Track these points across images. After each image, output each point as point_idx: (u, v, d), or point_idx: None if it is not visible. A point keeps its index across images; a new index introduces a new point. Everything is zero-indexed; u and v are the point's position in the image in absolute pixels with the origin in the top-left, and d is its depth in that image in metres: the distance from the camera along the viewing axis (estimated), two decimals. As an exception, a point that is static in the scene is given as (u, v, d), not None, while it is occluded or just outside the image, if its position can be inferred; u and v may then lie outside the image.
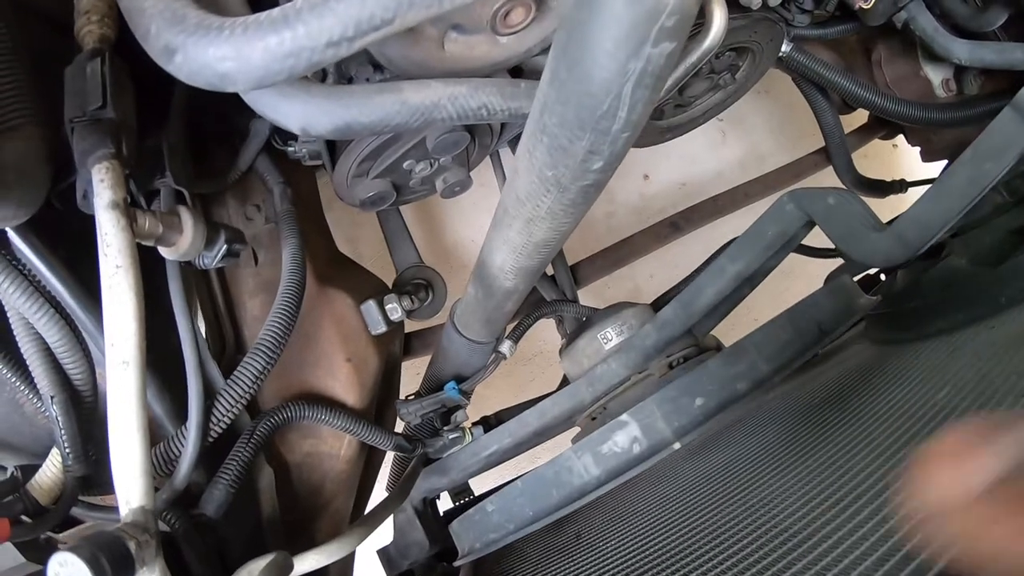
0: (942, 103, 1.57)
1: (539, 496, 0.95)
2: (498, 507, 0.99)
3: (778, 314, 0.94)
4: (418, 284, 1.26)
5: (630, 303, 1.21)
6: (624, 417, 0.90)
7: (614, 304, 1.23)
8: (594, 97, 0.46)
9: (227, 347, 1.03)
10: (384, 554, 1.23)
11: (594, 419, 1.15)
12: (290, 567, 0.77)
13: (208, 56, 0.53)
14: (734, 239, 1.63)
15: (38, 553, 0.90)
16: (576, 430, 1.24)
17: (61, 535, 0.94)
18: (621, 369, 1.03)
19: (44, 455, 0.87)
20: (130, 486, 0.60)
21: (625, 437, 0.90)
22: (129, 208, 0.65)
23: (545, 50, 0.85)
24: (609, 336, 1.14)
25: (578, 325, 1.28)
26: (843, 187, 1.89)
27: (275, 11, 0.52)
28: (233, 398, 0.83)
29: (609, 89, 0.45)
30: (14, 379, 0.81)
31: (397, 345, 1.27)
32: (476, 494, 1.36)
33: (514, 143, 1.15)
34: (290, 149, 1.02)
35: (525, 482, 0.96)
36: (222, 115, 1.01)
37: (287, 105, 0.66)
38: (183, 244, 0.71)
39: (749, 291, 1.00)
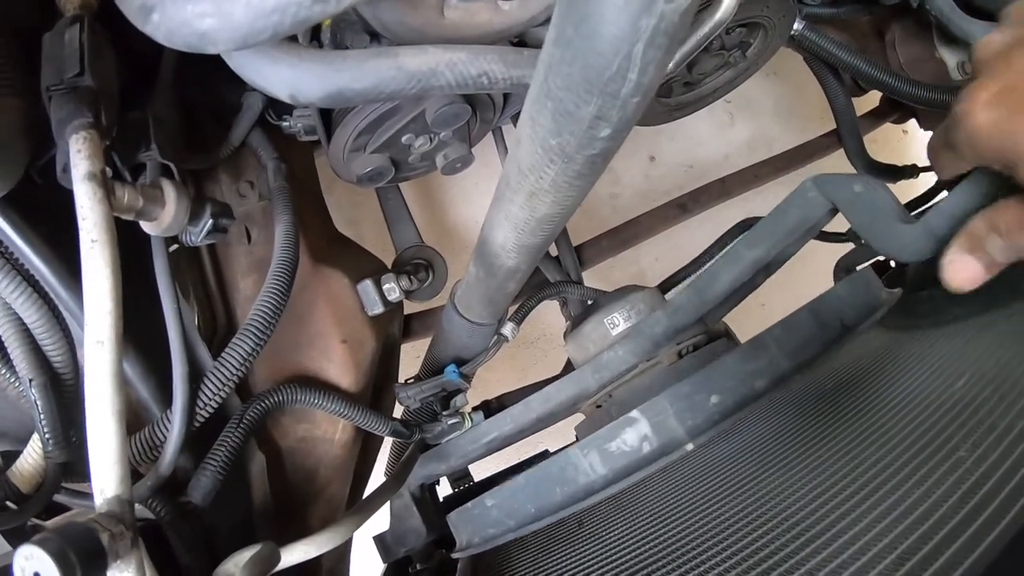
0: (958, 86, 1.53)
1: (542, 493, 0.90)
2: (498, 502, 0.94)
3: (798, 308, 0.90)
4: (418, 264, 1.22)
5: (638, 286, 1.17)
6: (634, 414, 0.85)
7: (621, 287, 1.19)
8: (603, 57, 0.42)
9: (219, 329, 1.00)
10: (380, 540, 1.20)
11: (599, 407, 1.12)
12: (277, 558, 0.74)
13: (187, 13, 0.50)
14: (744, 221, 1.62)
15: (23, 540, 0.88)
16: (580, 417, 1.21)
17: (48, 522, 0.91)
18: (629, 356, 0.98)
19: (26, 441, 0.84)
20: (105, 474, 0.56)
21: (635, 435, 0.85)
22: (108, 180, 0.61)
23: (549, 19, 0.81)
24: (616, 321, 1.09)
25: (584, 309, 1.24)
26: (858, 171, 1.86)
27: (258, -36, 0.49)
28: (220, 381, 0.80)
29: (619, 48, 0.41)
30: (-5, 362, 0.78)
31: (396, 327, 1.24)
32: (476, 480, 1.33)
33: (517, 118, 1.11)
34: (284, 124, 0.98)
35: (528, 478, 0.92)
36: (213, 87, 0.97)
37: (274, 70, 0.62)
38: (165, 218, 0.67)
39: (764, 279, 0.95)
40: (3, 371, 0.79)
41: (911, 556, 0.54)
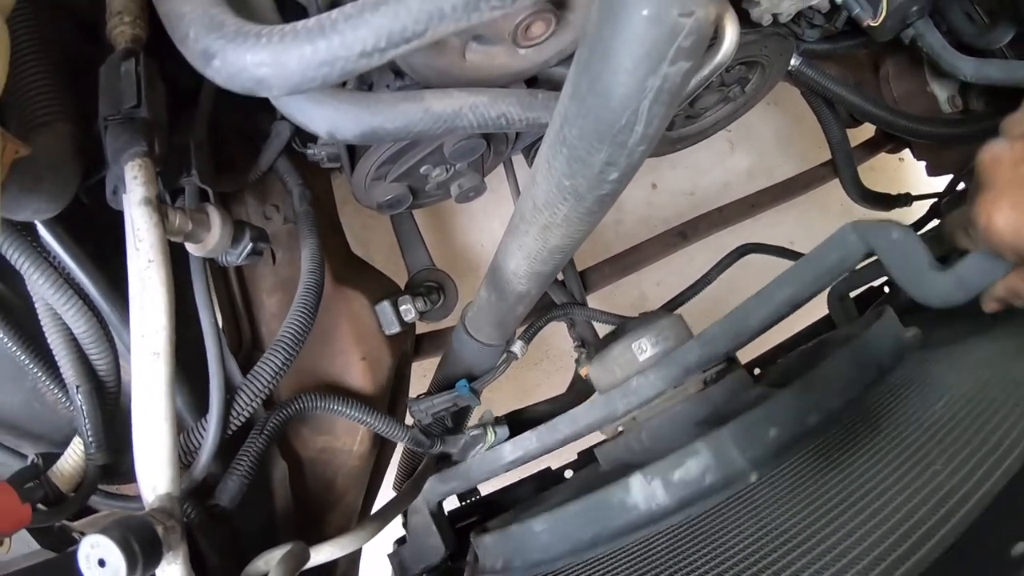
0: (948, 118, 1.60)
1: (600, 520, 0.89)
2: (549, 527, 0.92)
3: (839, 351, 0.95)
4: (430, 287, 1.28)
5: (664, 312, 1.19)
6: (697, 444, 0.85)
7: (646, 313, 1.21)
8: (613, 112, 0.49)
9: (244, 343, 1.06)
10: (396, 557, 1.23)
11: (620, 430, 1.13)
12: (306, 557, 0.79)
13: (246, 62, 0.56)
14: (742, 247, 1.68)
15: (53, 540, 0.92)
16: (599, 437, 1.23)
17: (76, 523, 0.96)
18: (660, 383, 0.99)
19: (62, 444, 0.89)
20: (157, 473, 0.62)
21: (697, 465, 0.85)
22: (161, 205, 0.67)
23: (562, 61, 0.87)
24: (644, 347, 1.10)
25: (609, 333, 1.25)
26: (853, 201, 1.92)
27: (311, 21, 0.55)
28: (253, 392, 0.85)
29: (628, 104, 0.48)
30: (36, 369, 0.83)
31: (408, 345, 1.29)
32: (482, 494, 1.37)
33: (527, 150, 1.18)
34: (309, 151, 1.04)
35: (585, 504, 0.90)
36: (245, 115, 1.04)
37: (316, 110, 0.69)
38: (211, 241, 0.73)
39: (786, 316, 0.99)
40: (45, 378, 0.84)
41: (890, 553, 0.60)
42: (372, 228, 2.28)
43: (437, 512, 1.20)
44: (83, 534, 0.90)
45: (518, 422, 1.31)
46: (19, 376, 0.89)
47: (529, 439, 1.08)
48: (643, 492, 0.87)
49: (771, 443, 0.85)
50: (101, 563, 0.55)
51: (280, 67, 0.55)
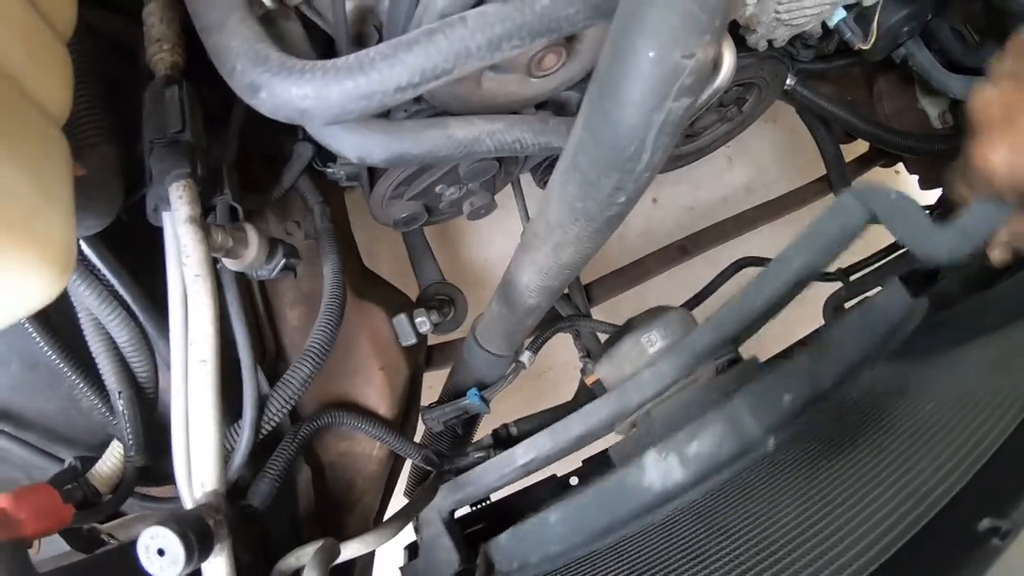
0: (939, 134, 1.66)
1: (615, 503, 0.86)
2: (563, 516, 0.90)
3: (848, 317, 0.95)
4: (441, 300, 1.33)
5: (669, 307, 1.20)
6: (708, 416, 0.84)
7: (652, 308, 1.22)
8: (622, 142, 0.55)
9: (268, 354, 1.11)
10: (409, 572, 1.17)
11: (635, 426, 1.10)
12: (337, 552, 0.84)
13: (291, 94, 0.62)
14: (741, 260, 1.73)
15: (82, 542, 0.97)
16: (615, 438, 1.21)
17: (105, 526, 1.00)
18: (671, 371, 0.96)
19: (95, 448, 0.94)
20: (205, 471, 0.67)
21: (712, 436, 0.82)
22: (205, 223, 0.73)
23: (570, 87, 0.93)
24: (653, 339, 1.10)
25: (616, 331, 1.25)
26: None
27: (351, 58, 0.61)
28: (283, 399, 0.91)
29: (635, 136, 0.54)
30: (73, 375, 0.88)
31: (421, 356, 1.35)
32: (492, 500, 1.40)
33: (535, 170, 1.24)
34: (329, 170, 1.09)
35: (598, 489, 0.88)
36: (270, 137, 1.09)
37: (347, 137, 0.74)
38: (248, 257, 0.79)
39: (795, 295, 0.92)
40: (82, 384, 0.89)
41: (879, 542, 0.65)
42: (379, 242, 2.33)
43: (450, 522, 1.14)
44: (112, 536, 0.95)
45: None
46: (55, 383, 0.94)
47: (542, 439, 1.05)
48: (658, 469, 0.84)
49: (786, 408, 0.83)
50: (160, 552, 0.60)
51: (322, 100, 0.61)
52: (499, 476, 1.10)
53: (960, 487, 0.68)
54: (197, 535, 0.61)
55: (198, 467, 0.68)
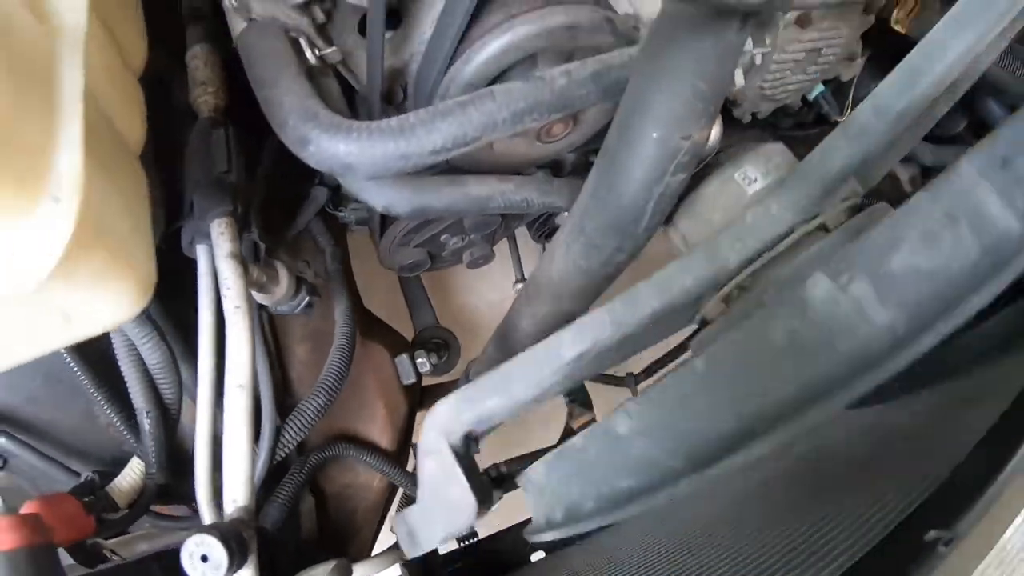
0: (909, 196, 1.75)
1: (764, 368, 0.55)
2: (650, 424, 0.59)
3: None
4: (437, 343, 1.41)
5: (758, 133, 0.92)
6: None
7: (733, 141, 0.91)
8: (625, 210, 0.64)
9: (275, 387, 1.17)
10: (404, 525, 0.77)
11: (729, 302, 0.76)
12: (350, 573, 0.90)
13: (338, 150, 0.70)
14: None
15: (85, 556, 1.01)
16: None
17: (108, 542, 1.04)
18: (786, 213, 0.67)
19: (106, 463, 0.98)
20: (238, 488, 0.74)
21: (954, 234, 0.53)
22: (243, 259, 0.80)
23: (573, 150, 1.02)
24: (752, 176, 0.82)
25: (696, 170, 0.82)
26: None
27: (394, 121, 0.70)
28: (297, 428, 0.97)
29: (637, 205, 0.63)
30: (97, 393, 0.93)
31: (417, 395, 1.41)
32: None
33: (530, 225, 1.33)
34: (341, 214, 1.17)
35: (729, 342, 0.57)
36: (291, 181, 1.17)
37: (379, 190, 0.83)
38: (278, 293, 0.86)
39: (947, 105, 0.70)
40: (101, 400, 0.94)
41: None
42: (374, 279, 2.40)
43: (463, 451, 0.75)
44: (114, 552, 0.99)
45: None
46: (74, 398, 0.98)
47: (599, 320, 0.66)
48: (844, 303, 0.53)
49: None
50: (204, 559, 0.66)
51: (366, 157, 0.70)
52: (536, 380, 0.70)
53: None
54: (235, 545, 0.67)
55: (230, 484, 0.74)
